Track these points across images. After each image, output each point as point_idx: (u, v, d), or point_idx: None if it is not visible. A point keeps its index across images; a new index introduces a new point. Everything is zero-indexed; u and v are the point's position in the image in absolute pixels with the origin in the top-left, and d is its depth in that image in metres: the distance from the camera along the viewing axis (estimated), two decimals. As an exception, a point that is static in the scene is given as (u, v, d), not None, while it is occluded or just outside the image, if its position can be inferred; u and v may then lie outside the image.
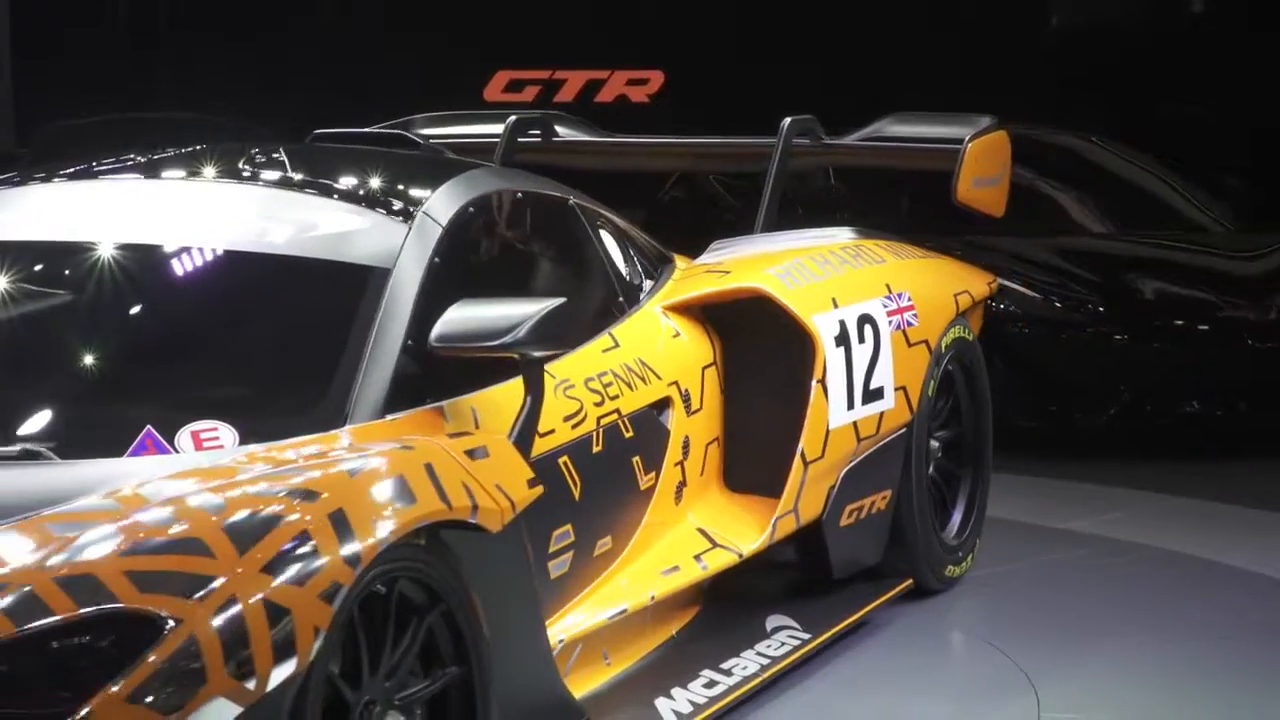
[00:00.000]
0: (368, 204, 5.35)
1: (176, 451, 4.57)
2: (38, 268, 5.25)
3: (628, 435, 5.56)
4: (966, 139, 7.01)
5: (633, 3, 16.68)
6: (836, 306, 6.28)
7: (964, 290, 6.97)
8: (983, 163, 7.05)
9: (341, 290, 5.03)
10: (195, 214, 5.32)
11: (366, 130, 7.47)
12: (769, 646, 5.86)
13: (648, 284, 6.17)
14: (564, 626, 5.20)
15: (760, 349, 6.16)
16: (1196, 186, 11.08)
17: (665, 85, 16.50)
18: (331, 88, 15.70)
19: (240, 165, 5.60)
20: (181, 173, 5.60)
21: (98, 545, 3.97)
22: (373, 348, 4.86)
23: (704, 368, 6.05)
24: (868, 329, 6.34)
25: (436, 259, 5.17)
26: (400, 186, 5.49)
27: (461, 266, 5.36)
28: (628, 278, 6.09)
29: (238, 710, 3.80)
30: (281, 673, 3.86)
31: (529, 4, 16.54)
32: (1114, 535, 7.86)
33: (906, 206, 10.36)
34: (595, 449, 5.38)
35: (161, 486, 4.25)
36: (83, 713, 3.73)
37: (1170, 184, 10.98)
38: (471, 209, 5.48)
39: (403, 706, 4.28)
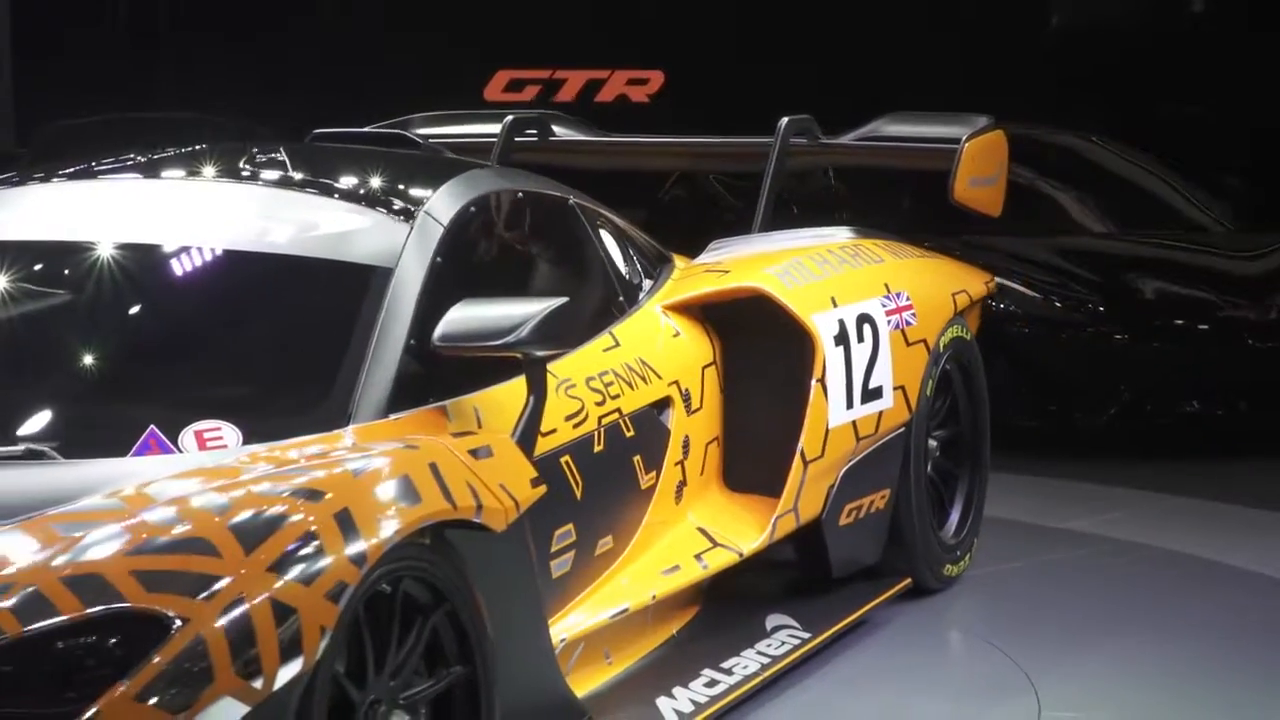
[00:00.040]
0: (369, 204, 5.35)
1: (180, 451, 4.57)
2: (42, 268, 5.25)
3: (629, 435, 5.56)
4: (964, 139, 7.02)
5: (633, 3, 16.69)
6: (836, 306, 6.28)
7: (962, 290, 6.98)
8: (980, 162, 7.06)
9: (344, 290, 5.03)
10: (197, 214, 5.32)
11: (366, 130, 7.48)
12: (769, 645, 5.86)
13: (647, 283, 6.17)
14: (566, 626, 5.21)
15: (760, 348, 6.16)
16: (1197, 186, 11.08)
17: (665, 85, 16.50)
18: (331, 88, 15.71)
19: (241, 165, 5.60)
20: (183, 173, 5.60)
21: (104, 545, 3.97)
22: (375, 347, 4.86)
23: (704, 367, 6.05)
24: (867, 328, 6.34)
25: (438, 258, 5.17)
26: (401, 186, 5.49)
27: (463, 266, 5.36)
28: (627, 277, 6.09)
29: (245, 709, 3.80)
30: (288, 672, 3.86)
31: (529, 4, 16.55)
32: (1114, 535, 7.86)
33: (907, 206, 10.36)
34: (597, 448, 5.38)
35: (166, 486, 4.25)
36: (90, 712, 3.74)
37: (1170, 184, 10.99)
38: (473, 208, 5.48)
39: (407, 706, 4.28)
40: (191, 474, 4.35)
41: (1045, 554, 7.51)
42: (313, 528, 4.02)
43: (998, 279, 9.04)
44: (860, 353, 6.30)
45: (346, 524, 4.07)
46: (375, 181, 5.49)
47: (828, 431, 6.15)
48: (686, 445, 5.89)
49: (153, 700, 3.74)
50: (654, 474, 5.74)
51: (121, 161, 5.74)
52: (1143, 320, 9.73)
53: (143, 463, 4.49)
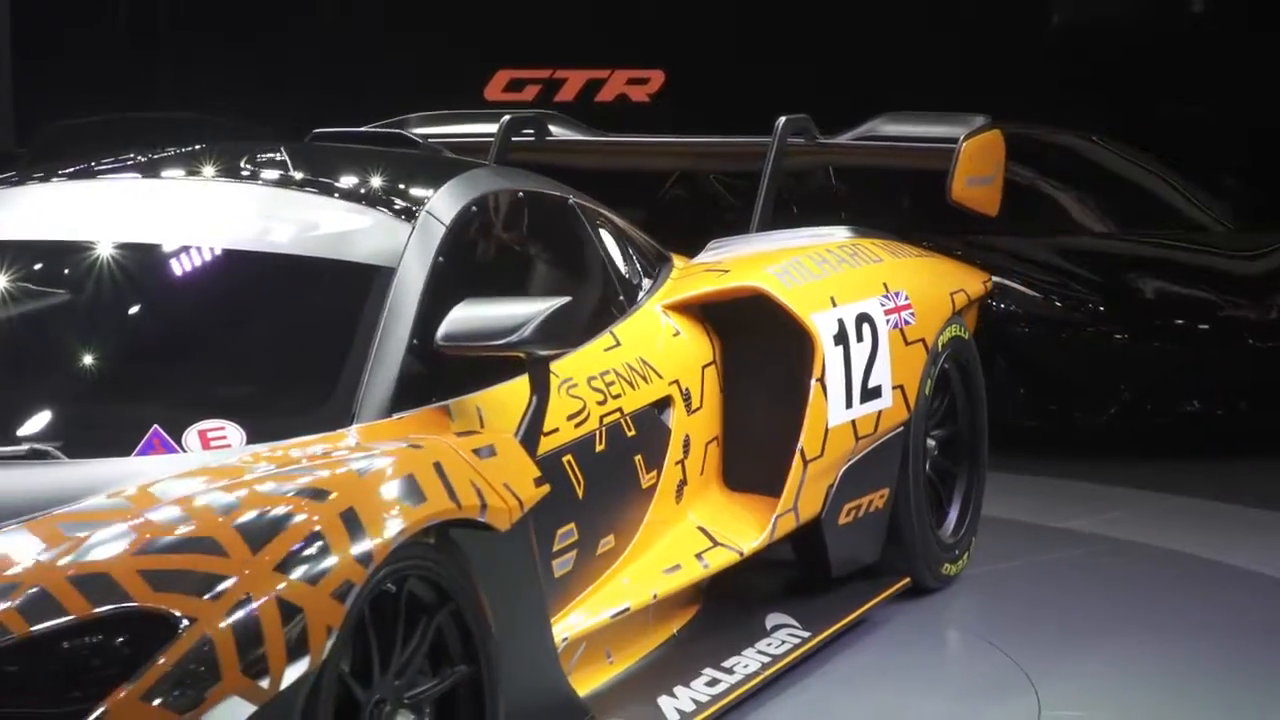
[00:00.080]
0: (371, 203, 5.35)
1: (184, 451, 4.57)
2: (46, 268, 5.25)
3: (630, 434, 5.56)
4: (961, 138, 7.03)
5: (633, 3, 16.69)
6: (835, 305, 6.29)
7: (960, 289, 6.98)
8: (977, 162, 7.07)
9: (346, 290, 5.03)
10: (199, 213, 5.32)
11: (366, 130, 7.49)
12: (769, 645, 5.87)
13: (646, 283, 6.17)
14: (568, 625, 5.21)
15: (759, 348, 6.16)
16: (1197, 186, 11.09)
17: (666, 85, 16.50)
18: (331, 88, 15.71)
19: (242, 165, 5.60)
20: (184, 172, 5.60)
21: (110, 544, 3.97)
22: (378, 347, 4.86)
23: (704, 366, 6.05)
24: (866, 328, 6.35)
25: (440, 258, 5.17)
26: (403, 186, 5.49)
27: (464, 265, 5.36)
28: (627, 276, 6.10)
29: (251, 709, 3.80)
30: (294, 671, 3.86)
31: (529, 4, 16.54)
32: (1114, 534, 7.86)
33: (907, 206, 10.37)
34: (598, 448, 5.39)
35: (171, 486, 4.25)
36: (97, 712, 3.73)
37: (1171, 183, 10.99)
38: (474, 208, 5.48)
39: (412, 705, 4.28)
40: (196, 473, 4.35)
41: (1045, 553, 7.51)
42: (318, 527, 4.02)
43: (999, 279, 9.07)
44: (859, 352, 6.30)
45: (352, 523, 4.08)
46: (376, 181, 5.49)
47: (827, 431, 6.16)
48: (687, 444, 5.89)
49: (159, 700, 3.74)
50: (655, 473, 5.74)
51: (122, 161, 5.74)
52: (1143, 320, 9.74)
53: (147, 462, 4.49)
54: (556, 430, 5.15)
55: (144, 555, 3.92)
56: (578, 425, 5.30)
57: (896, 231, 7.40)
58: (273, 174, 5.54)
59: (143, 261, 5.17)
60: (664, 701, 5.34)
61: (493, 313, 4.78)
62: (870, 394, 6.32)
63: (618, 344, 5.73)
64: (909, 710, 5.77)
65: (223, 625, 3.82)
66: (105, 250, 5.17)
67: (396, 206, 5.31)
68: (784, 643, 5.92)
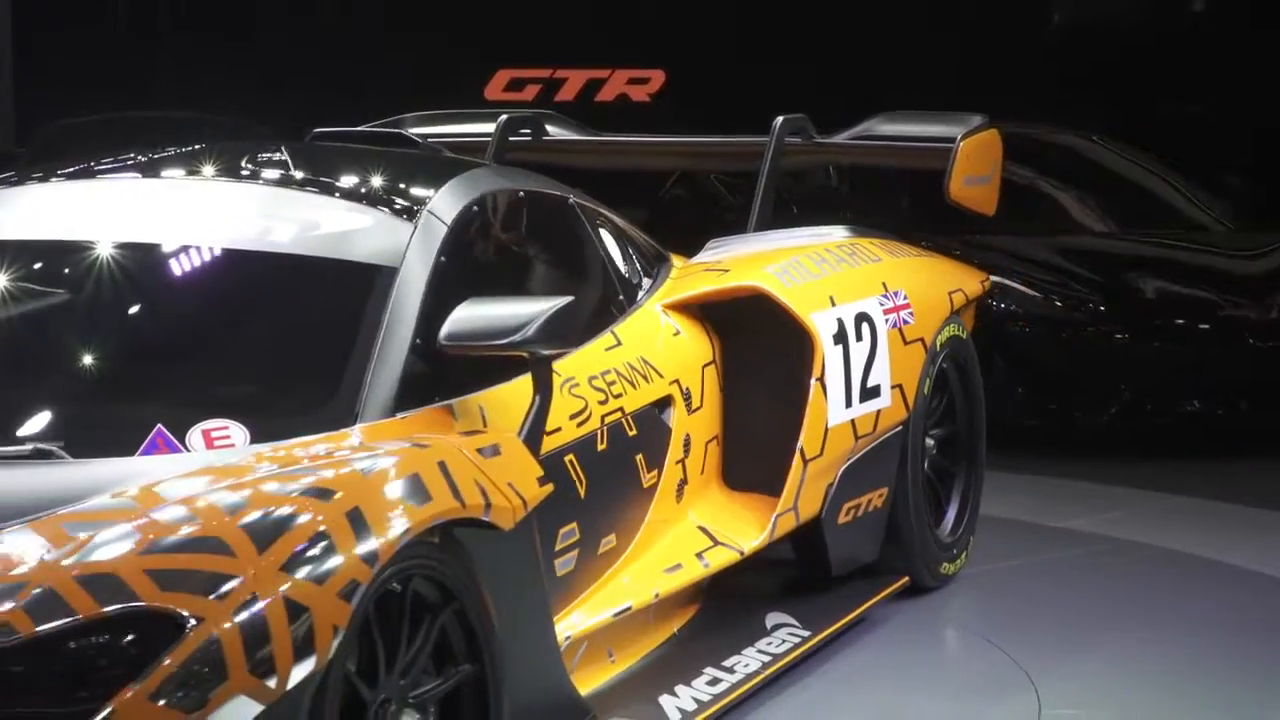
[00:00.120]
0: (373, 203, 5.35)
1: (188, 450, 4.57)
2: (50, 268, 5.25)
3: (631, 433, 5.57)
4: (959, 137, 7.03)
5: (633, 2, 16.69)
6: (834, 305, 6.29)
7: (958, 288, 6.98)
8: (974, 161, 7.08)
9: (349, 289, 5.03)
10: (202, 213, 5.31)
11: (365, 129, 7.49)
12: (770, 644, 5.87)
13: (646, 282, 6.17)
14: (570, 624, 5.21)
15: (759, 347, 6.16)
16: (1197, 185, 11.08)
17: (666, 84, 16.51)
18: (331, 87, 15.71)
19: (243, 164, 5.60)
20: (186, 172, 5.60)
21: (116, 544, 3.97)
22: (381, 346, 4.86)
23: (704, 366, 6.06)
24: (865, 327, 6.35)
25: (442, 257, 5.18)
26: (404, 185, 5.49)
27: (466, 265, 5.37)
28: (627, 276, 6.10)
29: (258, 709, 3.80)
30: (301, 671, 3.86)
31: (529, 4, 16.55)
32: (1114, 534, 7.86)
33: (907, 206, 10.37)
34: (600, 447, 5.39)
35: (175, 485, 4.25)
36: (104, 712, 3.73)
37: (1171, 183, 10.99)
38: (475, 208, 5.48)
39: (417, 704, 4.29)
40: (200, 473, 4.35)
41: (1045, 553, 7.51)
42: (324, 527, 4.02)
43: (999, 278, 9.07)
44: (859, 351, 6.30)
45: (358, 523, 4.08)
46: (377, 181, 5.49)
47: (827, 430, 6.16)
48: (687, 444, 5.90)
49: (166, 700, 3.74)
50: (656, 472, 5.74)
51: (123, 161, 5.74)
52: (1143, 319, 9.73)
53: (150, 462, 4.49)
54: (559, 430, 5.15)
55: (150, 555, 3.92)
56: (580, 424, 5.30)
57: (897, 231, 7.40)
58: (274, 173, 5.54)
59: (146, 261, 5.17)
60: (666, 700, 5.34)
61: (496, 312, 4.79)
62: (869, 393, 6.32)
63: (619, 343, 5.73)
64: (909, 709, 5.77)
65: (230, 625, 3.82)
66: (110, 250, 5.16)
67: (398, 206, 5.31)
68: (784, 641, 5.92)
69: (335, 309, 5.03)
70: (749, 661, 5.71)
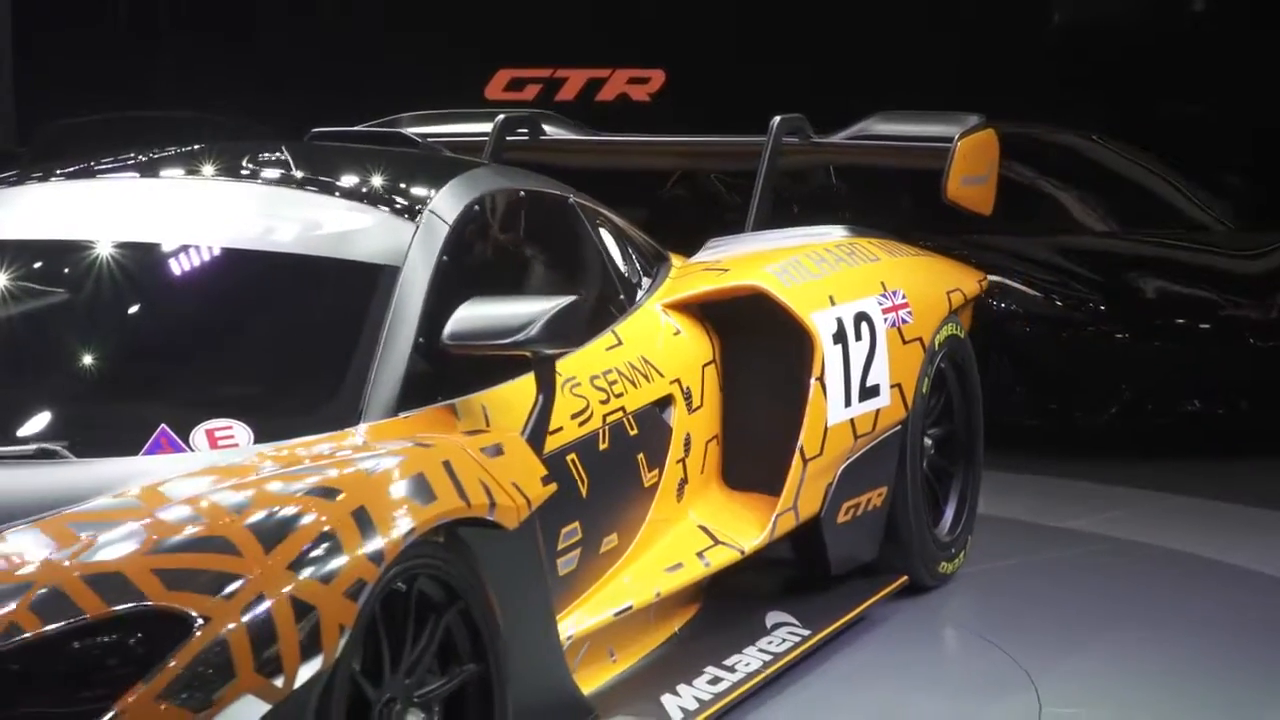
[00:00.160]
0: (374, 203, 5.35)
1: (191, 450, 4.57)
2: (51, 267, 5.25)
3: (632, 433, 5.57)
4: (956, 137, 7.03)
5: (633, 2, 16.70)
6: (834, 304, 6.29)
7: (956, 288, 6.99)
8: (971, 161, 7.08)
9: (352, 289, 5.03)
10: (204, 213, 5.31)
11: (365, 129, 7.49)
12: (770, 643, 5.88)
13: (646, 282, 6.18)
14: (572, 623, 5.22)
15: (759, 347, 6.17)
16: (1198, 185, 11.08)
17: (666, 84, 16.52)
18: (331, 87, 15.72)
19: (244, 164, 5.60)
20: (187, 172, 5.60)
21: (122, 543, 3.97)
22: (384, 346, 4.86)
23: (704, 365, 6.06)
24: (864, 326, 6.35)
25: (444, 257, 5.18)
26: (405, 185, 5.49)
27: (467, 264, 5.37)
28: (627, 275, 6.10)
29: (265, 708, 3.80)
30: (308, 670, 3.86)
31: (529, 4, 16.55)
32: (1114, 533, 7.86)
33: (906, 206, 10.37)
34: (602, 446, 5.40)
35: (180, 485, 4.25)
36: (112, 712, 3.73)
37: (1171, 183, 10.99)
38: (477, 207, 5.49)
39: (421, 704, 4.29)
40: (204, 473, 4.35)
41: (1045, 552, 7.52)
42: (330, 526, 4.03)
43: (1000, 278, 9.07)
44: (858, 351, 6.30)
45: (364, 522, 4.08)
46: (378, 180, 5.49)
47: (826, 429, 6.16)
48: (688, 443, 5.90)
49: (173, 699, 3.74)
50: (656, 472, 5.75)
51: (124, 160, 5.74)
52: (1144, 319, 9.74)
53: (154, 462, 4.49)
54: (561, 429, 5.15)
55: (157, 554, 3.92)
56: (581, 424, 5.31)
57: (897, 231, 7.40)
58: (274, 173, 5.54)
59: (150, 261, 5.17)
60: (667, 700, 5.35)
61: (499, 312, 4.79)
62: (868, 393, 6.33)
63: (619, 343, 5.74)
64: (909, 708, 5.77)
65: (237, 624, 3.82)
66: (112, 250, 5.16)
67: (400, 205, 5.31)
68: (784, 641, 5.92)
69: (338, 309, 5.03)
70: (750, 660, 5.71)
